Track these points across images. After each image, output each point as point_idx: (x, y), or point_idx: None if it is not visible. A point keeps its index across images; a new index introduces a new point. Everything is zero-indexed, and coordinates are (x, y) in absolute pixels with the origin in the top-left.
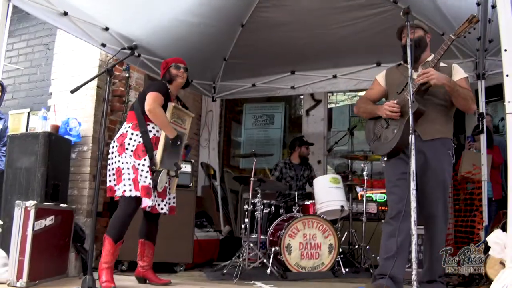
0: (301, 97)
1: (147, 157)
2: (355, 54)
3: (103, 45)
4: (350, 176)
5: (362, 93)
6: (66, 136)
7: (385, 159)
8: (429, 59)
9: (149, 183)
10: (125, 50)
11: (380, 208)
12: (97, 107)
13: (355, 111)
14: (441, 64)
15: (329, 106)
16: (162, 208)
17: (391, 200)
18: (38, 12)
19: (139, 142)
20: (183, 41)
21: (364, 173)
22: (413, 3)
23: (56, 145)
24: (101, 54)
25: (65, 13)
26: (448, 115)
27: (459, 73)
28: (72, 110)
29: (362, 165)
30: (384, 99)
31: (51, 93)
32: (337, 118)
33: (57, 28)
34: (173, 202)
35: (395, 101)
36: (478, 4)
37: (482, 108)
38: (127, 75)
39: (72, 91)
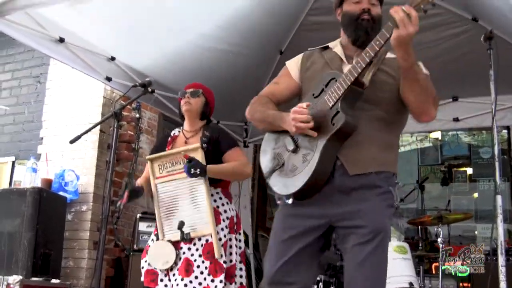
0: None
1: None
2: None
3: (108, 79)
4: (421, 244)
5: (435, 134)
6: (61, 193)
7: (289, 200)
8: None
9: (142, 266)
10: (136, 87)
11: (461, 284)
12: (99, 156)
13: (247, 116)
14: (388, 55)
15: None
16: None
17: (269, 260)
18: (26, 38)
19: None
20: (207, 72)
21: (439, 239)
22: (498, 21)
23: (48, 204)
24: (106, 90)
25: (61, 40)
26: (391, 135)
27: None
28: (69, 159)
29: (436, 228)
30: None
31: (42, 138)
32: (402, 167)
33: (51, 57)
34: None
35: (305, 105)
36: None
37: None
38: (137, 115)
39: (72, 141)
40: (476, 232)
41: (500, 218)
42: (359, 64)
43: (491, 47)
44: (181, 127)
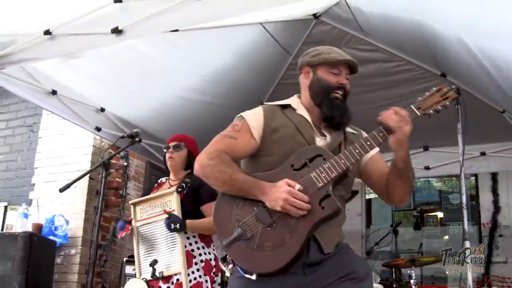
0: None
1: None
2: None
3: (98, 129)
4: (395, 285)
5: None
6: (51, 237)
7: (253, 276)
8: None
9: None
10: (124, 138)
11: None
12: (88, 202)
13: (199, 171)
14: (348, 129)
15: (367, 196)
16: None
17: None
18: (21, 90)
19: None
20: (191, 122)
21: (412, 281)
22: (465, 77)
23: (38, 248)
24: (95, 139)
25: (54, 92)
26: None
27: None
28: (59, 205)
29: (409, 271)
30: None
31: (33, 185)
32: (377, 213)
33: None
34: None
35: (297, 187)
36: None
37: None
38: (125, 163)
39: (61, 190)
40: (447, 273)
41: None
42: (357, 151)
43: (458, 102)
44: (168, 177)
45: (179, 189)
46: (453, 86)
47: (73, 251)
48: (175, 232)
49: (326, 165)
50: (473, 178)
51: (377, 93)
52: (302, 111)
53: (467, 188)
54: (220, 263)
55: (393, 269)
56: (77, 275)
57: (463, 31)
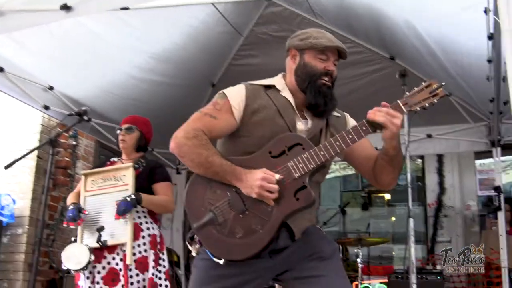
0: None
1: None
2: None
3: (46, 107)
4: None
5: None
6: None
7: (221, 261)
8: None
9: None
10: (72, 115)
11: None
12: (36, 181)
13: (175, 150)
14: (334, 112)
15: None
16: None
17: None
18: None
19: None
20: (142, 102)
21: (358, 259)
22: (413, 60)
23: None
24: (44, 118)
25: (1, 69)
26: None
27: None
28: (5, 184)
29: (355, 250)
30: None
31: None
32: (326, 193)
33: None
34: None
35: (277, 177)
36: (489, 61)
37: (500, 180)
38: (74, 143)
39: (6, 167)
40: (393, 253)
41: (412, 239)
42: (337, 143)
43: (405, 83)
44: (120, 157)
45: (136, 166)
46: (443, 83)
47: (20, 231)
48: (133, 207)
49: (305, 156)
50: (420, 160)
51: None
52: (286, 93)
53: (413, 169)
54: (187, 242)
55: (341, 248)
56: (24, 254)
57: (411, 15)
